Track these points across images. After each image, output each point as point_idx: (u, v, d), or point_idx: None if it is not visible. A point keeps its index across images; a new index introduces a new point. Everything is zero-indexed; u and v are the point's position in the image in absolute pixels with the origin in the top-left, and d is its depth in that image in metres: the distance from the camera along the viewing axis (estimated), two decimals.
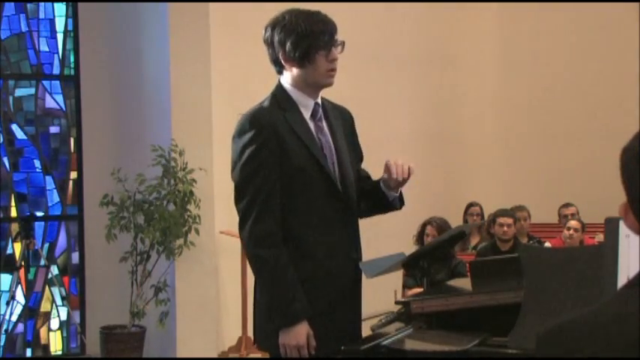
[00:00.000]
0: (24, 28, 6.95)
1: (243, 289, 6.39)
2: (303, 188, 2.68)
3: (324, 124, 2.81)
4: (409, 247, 5.63)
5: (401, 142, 8.00)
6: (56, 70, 7.02)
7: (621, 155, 1.34)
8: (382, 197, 2.85)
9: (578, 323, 1.29)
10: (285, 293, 2.60)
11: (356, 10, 7.38)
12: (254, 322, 2.82)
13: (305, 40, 2.68)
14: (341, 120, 2.89)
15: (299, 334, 2.60)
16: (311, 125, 2.77)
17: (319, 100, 2.82)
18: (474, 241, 7.31)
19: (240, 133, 2.70)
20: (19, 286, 6.64)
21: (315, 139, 2.75)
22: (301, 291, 2.62)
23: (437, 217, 5.74)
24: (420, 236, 5.73)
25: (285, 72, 2.78)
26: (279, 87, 2.80)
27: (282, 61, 2.74)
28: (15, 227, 6.78)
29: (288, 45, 2.69)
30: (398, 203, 2.88)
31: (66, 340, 6.93)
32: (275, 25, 2.74)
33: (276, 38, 2.73)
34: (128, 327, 6.33)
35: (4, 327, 6.41)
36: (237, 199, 2.69)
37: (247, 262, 6.63)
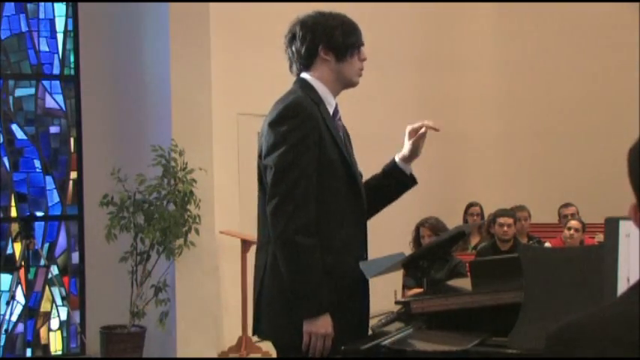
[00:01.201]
0: (24, 28, 6.96)
1: (243, 289, 6.39)
2: (330, 181, 2.69)
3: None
4: (408, 247, 5.63)
5: (400, 142, 7.99)
6: (56, 70, 7.02)
7: (628, 155, 1.32)
8: (397, 178, 2.96)
9: (587, 322, 1.29)
10: (317, 282, 2.60)
11: (354, 11, 7.36)
12: (260, 313, 2.76)
13: (352, 34, 2.81)
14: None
15: (327, 323, 2.60)
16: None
17: None
18: (474, 241, 7.31)
19: (283, 118, 2.66)
20: (19, 286, 6.64)
21: (340, 136, 2.78)
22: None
23: (430, 218, 5.73)
24: (416, 239, 5.72)
25: (314, 67, 2.79)
26: (305, 82, 2.79)
27: (322, 53, 2.76)
28: (15, 227, 6.78)
29: (336, 34, 2.76)
30: (412, 180, 2.99)
31: (66, 340, 6.93)
32: (313, 20, 2.78)
33: (319, 29, 2.76)
34: (128, 327, 6.33)
35: (4, 327, 6.41)
36: (276, 182, 2.63)
37: (247, 262, 6.61)
